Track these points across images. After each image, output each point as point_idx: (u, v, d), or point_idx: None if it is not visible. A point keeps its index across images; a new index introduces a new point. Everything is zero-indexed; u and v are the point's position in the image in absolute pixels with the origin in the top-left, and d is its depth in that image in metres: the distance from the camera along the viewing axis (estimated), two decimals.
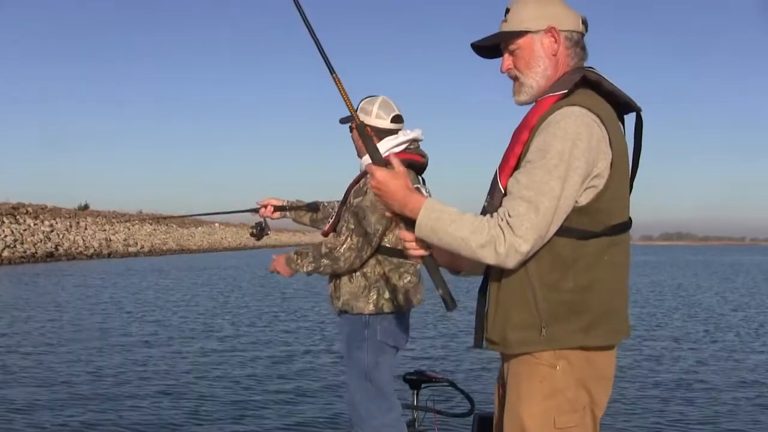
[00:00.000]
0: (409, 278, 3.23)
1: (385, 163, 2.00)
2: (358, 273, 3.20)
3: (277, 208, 3.62)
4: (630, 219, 2.03)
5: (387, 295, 3.18)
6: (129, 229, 46.91)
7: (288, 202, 3.68)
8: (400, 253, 3.16)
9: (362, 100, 3.31)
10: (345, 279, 3.24)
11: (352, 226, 3.15)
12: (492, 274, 2.06)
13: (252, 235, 3.64)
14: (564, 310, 1.93)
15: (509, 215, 1.85)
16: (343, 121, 3.38)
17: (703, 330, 12.76)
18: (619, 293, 2.02)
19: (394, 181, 1.94)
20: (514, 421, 2.00)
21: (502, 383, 2.14)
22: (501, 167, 2.01)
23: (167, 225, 55.51)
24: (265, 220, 3.62)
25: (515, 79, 2.08)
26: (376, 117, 3.26)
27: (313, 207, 3.65)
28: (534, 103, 2.03)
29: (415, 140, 3.30)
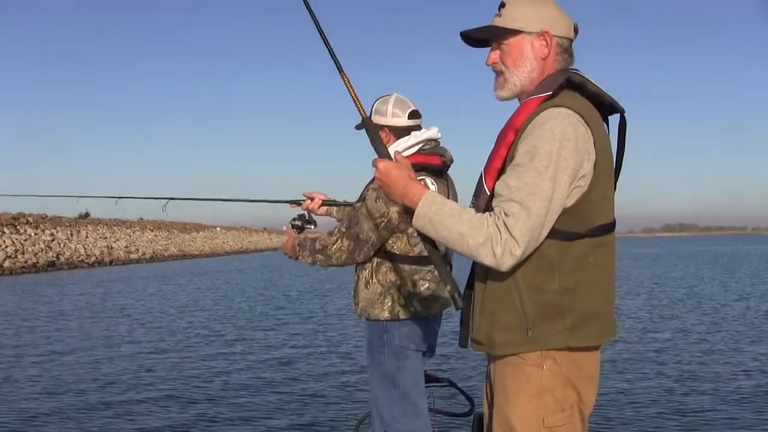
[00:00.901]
0: (426, 285, 3.16)
1: (389, 157, 2.04)
2: (374, 279, 3.17)
3: (325, 203, 3.49)
4: (614, 220, 2.03)
5: (402, 301, 3.13)
6: (130, 236, 46.93)
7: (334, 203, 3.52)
8: (414, 260, 3.13)
9: (375, 101, 3.25)
10: (362, 285, 3.21)
11: (344, 229, 3.14)
12: (477, 274, 2.06)
13: (294, 227, 3.45)
14: (549, 311, 1.93)
15: (505, 215, 1.84)
16: (359, 127, 3.23)
17: (709, 321, 12.72)
18: (605, 295, 2.02)
19: (395, 171, 1.98)
20: (502, 421, 2.00)
21: (490, 383, 2.14)
22: (486, 169, 2.01)
23: (168, 231, 55.50)
24: (308, 212, 3.47)
25: (500, 73, 2.08)
26: (392, 116, 3.19)
27: None
28: (518, 104, 2.04)
29: (429, 140, 3.18)
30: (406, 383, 3.17)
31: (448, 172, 3.29)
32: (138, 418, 6.31)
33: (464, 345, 2.14)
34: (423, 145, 3.16)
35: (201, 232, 63.47)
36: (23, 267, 31.35)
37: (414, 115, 3.22)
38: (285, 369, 8.52)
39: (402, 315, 3.13)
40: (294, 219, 3.46)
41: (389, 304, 3.13)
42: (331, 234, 3.19)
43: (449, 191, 3.26)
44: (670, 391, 7.13)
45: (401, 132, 3.17)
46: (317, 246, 3.18)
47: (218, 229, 70.18)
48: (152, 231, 52.53)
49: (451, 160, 3.24)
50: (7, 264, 30.50)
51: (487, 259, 1.85)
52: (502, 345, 1.98)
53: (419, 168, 3.07)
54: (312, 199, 3.46)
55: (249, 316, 14.42)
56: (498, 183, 1.92)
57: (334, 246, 3.13)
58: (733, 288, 20.22)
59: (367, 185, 3.21)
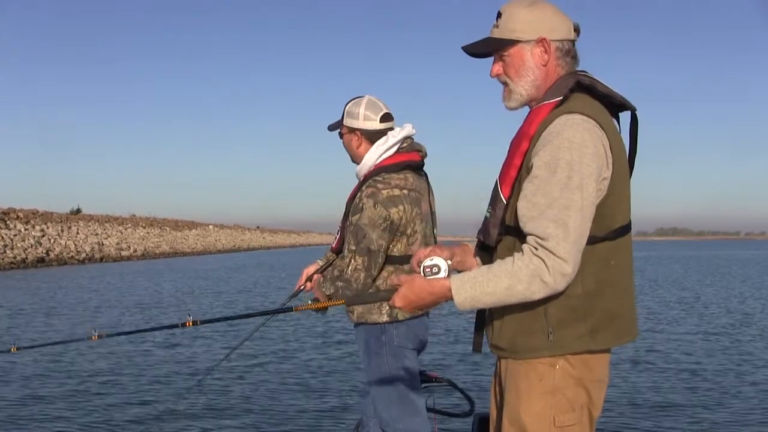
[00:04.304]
0: None
1: (392, 291, 2.04)
2: (372, 286, 3.12)
3: (318, 271, 3.27)
4: (630, 220, 2.02)
5: None
6: (122, 233, 46.51)
7: (324, 259, 3.33)
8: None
9: (347, 102, 3.23)
10: None
11: (353, 247, 3.03)
12: None
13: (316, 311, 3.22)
14: (572, 315, 1.93)
15: (542, 239, 1.82)
16: (332, 127, 3.29)
17: (709, 324, 12.54)
18: (625, 296, 2.02)
19: (411, 293, 1.98)
20: (513, 419, 2.01)
21: (499, 381, 2.14)
22: (501, 177, 2.01)
23: (161, 228, 55.15)
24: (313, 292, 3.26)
25: (505, 84, 2.07)
26: (365, 119, 3.17)
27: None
28: (528, 110, 2.04)
29: (406, 137, 3.18)
30: (405, 382, 3.15)
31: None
32: (129, 411, 6.20)
33: (478, 350, 2.16)
34: (401, 144, 3.17)
35: (194, 230, 63.11)
36: (12, 263, 30.93)
37: (386, 118, 3.20)
38: (283, 367, 8.39)
39: (400, 316, 3.11)
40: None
41: (387, 308, 3.10)
42: (342, 258, 3.09)
43: (428, 186, 3.28)
44: (674, 393, 6.99)
45: (374, 135, 3.17)
46: (335, 273, 3.09)
47: (211, 227, 69.86)
48: (144, 228, 52.12)
49: (426, 155, 3.26)
50: None
51: (541, 293, 1.84)
52: (525, 350, 1.98)
53: (404, 167, 3.13)
54: (310, 279, 3.29)
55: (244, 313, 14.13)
56: (522, 202, 1.89)
57: (350, 267, 3.03)
58: (733, 291, 20.04)
59: (355, 195, 3.15)
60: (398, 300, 2.00)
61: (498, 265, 1.87)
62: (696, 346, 10.02)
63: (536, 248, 1.82)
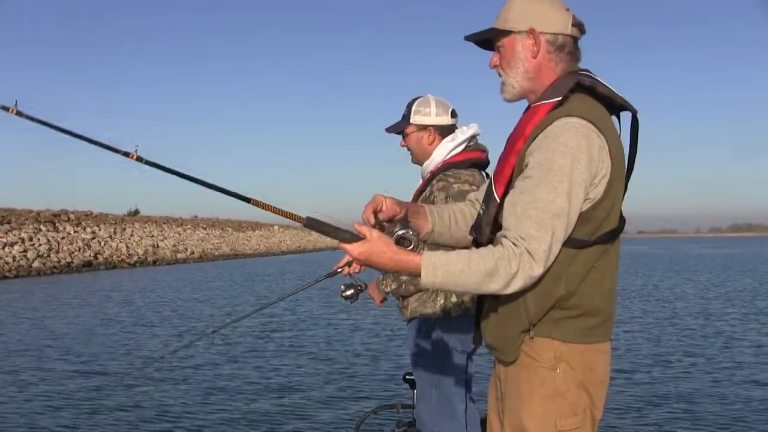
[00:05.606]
0: None
1: (355, 237, 1.92)
2: None
3: None
4: (623, 219, 2.02)
5: (454, 298, 3.15)
6: (180, 235, 45.16)
7: None
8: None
9: (413, 102, 3.31)
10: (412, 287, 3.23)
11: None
12: None
13: (347, 298, 2.92)
14: (554, 315, 1.95)
15: (521, 238, 1.83)
16: (393, 129, 3.36)
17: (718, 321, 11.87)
18: (606, 297, 2.01)
19: (374, 251, 1.90)
20: (515, 424, 2.01)
21: (497, 384, 2.15)
22: (496, 176, 2.03)
23: (222, 229, 53.85)
24: (351, 277, 2.94)
25: (500, 75, 2.08)
26: (437, 115, 3.28)
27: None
28: (527, 109, 2.04)
29: (473, 136, 3.29)
30: (448, 386, 3.17)
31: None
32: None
33: (478, 344, 2.31)
34: (468, 142, 3.27)
35: (257, 231, 61.75)
36: (54, 267, 29.54)
37: (454, 113, 3.33)
38: (286, 367, 8.42)
39: (453, 312, 3.14)
40: (344, 291, 2.88)
41: (441, 301, 3.14)
42: None
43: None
44: (677, 391, 7.06)
45: (445, 131, 3.28)
46: None
47: (276, 227, 68.68)
48: (204, 229, 50.79)
49: (489, 157, 3.31)
50: (36, 264, 28.74)
51: (511, 290, 1.85)
52: (512, 351, 2.01)
53: (471, 164, 3.25)
54: (349, 264, 2.88)
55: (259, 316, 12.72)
56: (510, 198, 1.92)
57: None
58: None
59: (422, 190, 3.24)
60: (354, 250, 1.90)
61: (474, 257, 1.84)
62: (703, 341, 10.18)
63: (515, 245, 1.83)
